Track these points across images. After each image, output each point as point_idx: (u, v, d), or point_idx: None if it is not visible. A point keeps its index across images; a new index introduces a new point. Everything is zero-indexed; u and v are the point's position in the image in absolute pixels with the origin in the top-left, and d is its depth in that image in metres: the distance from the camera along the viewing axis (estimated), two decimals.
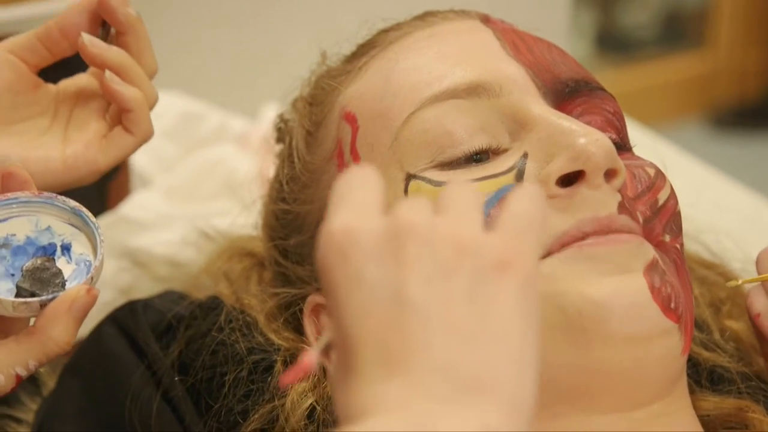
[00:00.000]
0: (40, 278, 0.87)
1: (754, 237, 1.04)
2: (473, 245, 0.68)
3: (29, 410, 1.13)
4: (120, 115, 0.97)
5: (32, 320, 0.88)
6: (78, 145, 0.97)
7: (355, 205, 0.70)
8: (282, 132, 1.10)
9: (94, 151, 0.97)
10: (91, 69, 1.00)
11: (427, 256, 0.67)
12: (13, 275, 0.87)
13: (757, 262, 1.02)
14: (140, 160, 1.48)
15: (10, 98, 0.96)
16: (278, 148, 1.10)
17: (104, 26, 0.98)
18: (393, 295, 0.67)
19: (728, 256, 1.15)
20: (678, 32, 4.13)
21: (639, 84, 3.73)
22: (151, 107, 0.98)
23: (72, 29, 0.97)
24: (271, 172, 1.14)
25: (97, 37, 0.97)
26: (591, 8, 3.94)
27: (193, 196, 1.45)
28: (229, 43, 1.74)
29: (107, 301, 1.25)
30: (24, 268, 0.87)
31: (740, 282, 1.01)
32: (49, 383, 1.13)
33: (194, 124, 1.56)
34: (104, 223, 1.32)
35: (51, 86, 1.00)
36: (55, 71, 1.00)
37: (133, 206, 1.40)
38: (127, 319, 1.06)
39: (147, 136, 0.98)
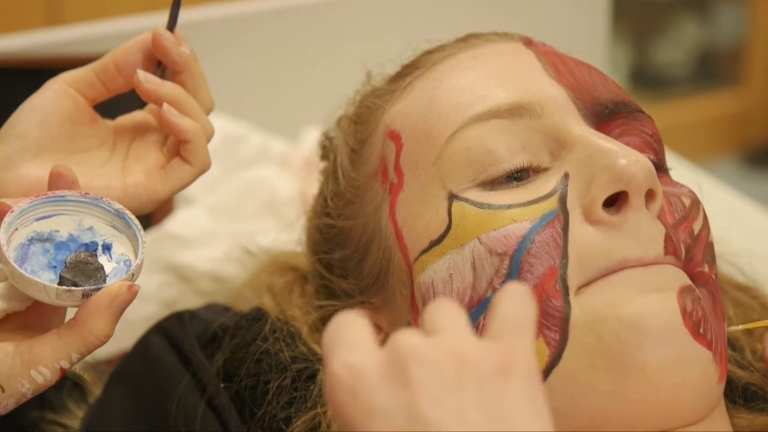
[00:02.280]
0: (83, 271, 0.89)
1: None
2: (472, 357, 0.71)
3: (75, 417, 1.15)
4: (177, 147, 1.00)
5: (69, 313, 0.91)
6: (138, 176, 0.99)
7: (351, 343, 0.73)
8: (326, 149, 1.13)
9: (154, 180, 0.99)
10: (149, 105, 1.03)
11: (432, 375, 0.70)
12: (55, 267, 0.90)
13: None
14: None
15: (71, 128, 0.99)
16: (323, 165, 1.13)
17: (160, 64, 1.01)
18: (409, 418, 0.69)
19: (762, 280, 1.17)
20: (712, 70, 4.15)
21: (672, 121, 3.74)
22: (208, 140, 1.01)
23: (128, 66, 1.00)
24: (312, 192, 1.16)
25: (154, 74, 1.01)
26: (626, 45, 3.96)
27: (235, 214, 1.48)
28: (271, 67, 1.78)
29: (152, 314, 1.28)
30: (68, 260, 0.90)
31: (740, 328, 1.02)
32: (95, 391, 1.16)
33: (236, 146, 1.60)
34: (149, 238, 1.35)
35: (108, 121, 1.03)
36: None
37: (178, 222, 1.43)
38: (173, 328, 1.09)
39: (205, 167, 1.01)
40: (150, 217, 1.40)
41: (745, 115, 4.01)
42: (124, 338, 1.16)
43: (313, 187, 1.20)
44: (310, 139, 1.60)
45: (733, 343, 1.09)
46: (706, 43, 4.10)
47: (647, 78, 3.99)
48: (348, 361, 0.72)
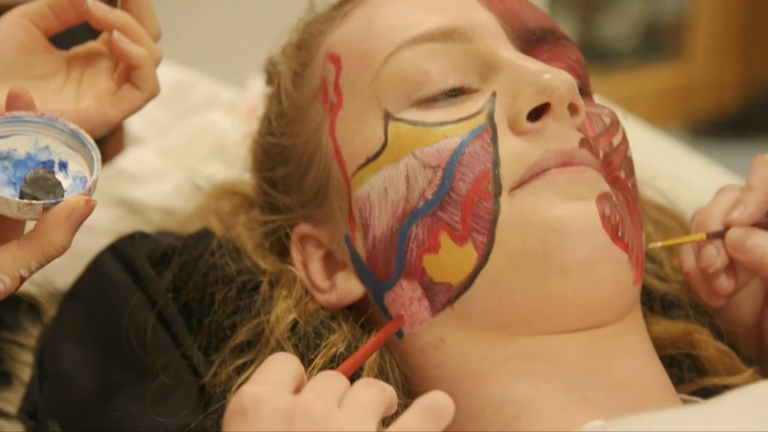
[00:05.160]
0: (42, 186, 0.93)
1: (708, 193, 1.11)
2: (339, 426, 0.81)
3: (31, 336, 1.19)
4: (128, 74, 1.04)
5: (29, 225, 0.95)
6: (90, 100, 1.04)
7: (270, 380, 0.84)
8: (271, 75, 1.19)
9: (105, 105, 1.04)
10: (100, 37, 1.08)
11: None
12: (14, 183, 0.94)
13: (691, 220, 1.10)
14: (134, 124, 1.56)
15: (25, 57, 1.04)
16: (268, 89, 1.18)
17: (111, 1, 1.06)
18: None
19: (682, 203, 1.23)
20: (656, 43, 4.20)
21: (617, 94, 3.73)
22: (156, 65, 1.05)
23: None
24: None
25: None
26: (571, 19, 4.00)
27: (184, 157, 1.52)
28: (219, 16, 1.82)
29: (103, 246, 1.32)
30: (27, 176, 0.94)
31: (659, 245, 1.10)
32: (50, 311, 1.21)
33: (185, 93, 1.64)
34: (101, 175, 1.39)
35: (62, 51, 1.07)
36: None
37: (129, 160, 1.47)
38: (125, 248, 1.14)
39: (154, 92, 1.05)
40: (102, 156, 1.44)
41: (688, 88, 4.07)
42: (75, 270, 1.20)
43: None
44: (257, 86, 1.65)
45: (652, 258, 1.16)
46: (651, 16, 4.15)
47: (592, 51, 4.02)
48: (257, 391, 0.82)
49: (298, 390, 0.84)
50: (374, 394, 0.84)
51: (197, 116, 1.60)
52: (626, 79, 3.96)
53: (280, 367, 0.85)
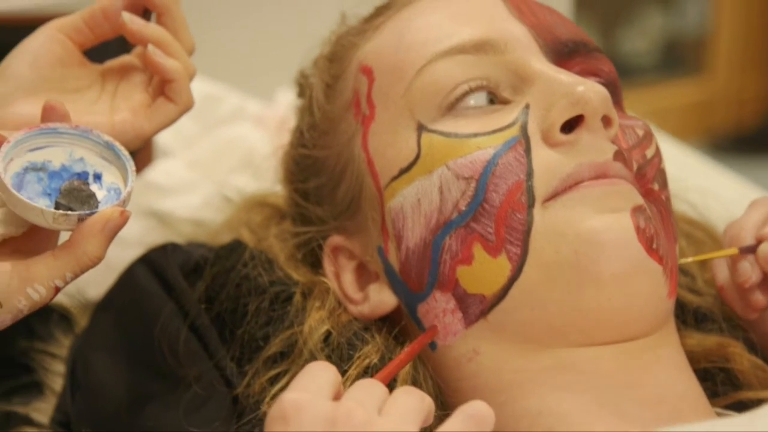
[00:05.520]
0: (77, 197, 0.94)
1: (738, 206, 1.11)
2: None
3: (63, 346, 1.20)
4: (162, 87, 1.05)
5: (62, 237, 0.95)
6: (125, 113, 1.04)
7: (310, 387, 0.84)
8: (303, 87, 1.19)
9: (140, 118, 1.04)
10: (135, 50, 1.09)
11: None
12: (49, 195, 0.94)
13: (723, 235, 1.10)
14: (163, 136, 1.56)
15: (61, 70, 1.05)
16: (300, 101, 1.19)
17: (146, 13, 1.07)
18: None
19: (714, 217, 1.23)
20: (677, 59, 4.19)
21: (637, 110, 3.70)
22: (191, 79, 1.06)
23: (113, 12, 1.05)
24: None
25: None
26: (591, 34, 3.95)
27: (212, 170, 1.53)
28: (246, 29, 1.82)
29: (134, 257, 1.32)
30: (62, 187, 0.94)
31: (691, 260, 1.10)
32: (82, 322, 1.21)
33: (213, 106, 1.64)
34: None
35: (97, 65, 1.08)
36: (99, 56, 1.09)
37: (157, 172, 1.48)
38: (157, 258, 1.14)
39: (188, 106, 1.06)
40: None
41: (709, 104, 4.05)
42: (107, 281, 1.20)
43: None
44: (285, 99, 1.65)
45: (685, 271, 1.16)
46: (671, 32, 4.14)
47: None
48: (298, 397, 0.82)
49: (336, 398, 0.84)
50: (414, 401, 0.84)
51: (225, 129, 1.60)
52: (647, 94, 3.94)
53: (319, 375, 0.85)
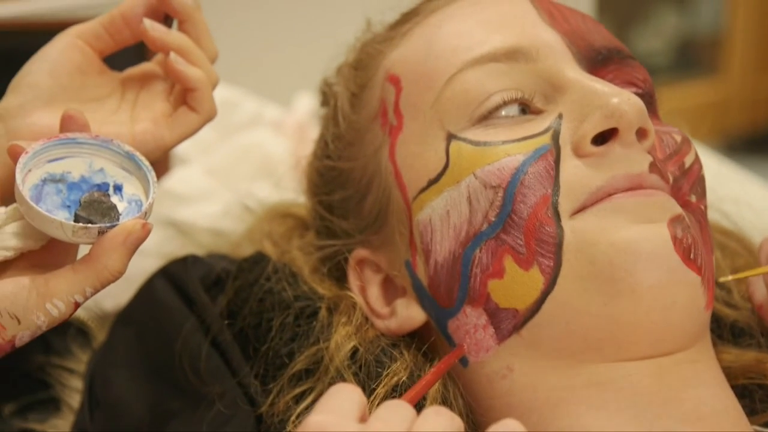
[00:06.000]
0: (97, 209, 0.91)
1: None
2: None
3: (80, 361, 1.18)
4: (184, 96, 1.02)
5: (80, 253, 0.93)
6: (146, 123, 1.02)
7: (336, 409, 0.81)
8: (327, 95, 1.16)
9: (161, 128, 1.02)
10: (155, 57, 1.06)
11: None
12: (69, 207, 0.92)
13: (760, 250, 1.07)
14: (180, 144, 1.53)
15: (80, 78, 1.02)
16: (323, 110, 1.16)
17: (166, 20, 1.04)
18: None
19: (748, 227, 1.20)
20: (691, 59, 4.17)
21: None
22: (214, 87, 1.03)
23: (134, 18, 1.03)
24: (305, 155, 1.19)
25: None
26: None
27: (230, 176, 1.51)
28: (265, 34, 1.80)
29: (152, 268, 1.30)
30: (82, 199, 0.92)
31: (730, 278, 1.06)
32: (99, 336, 1.19)
33: (230, 111, 1.62)
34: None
35: (117, 72, 1.05)
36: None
37: (175, 180, 1.45)
38: (177, 271, 1.12)
39: (211, 115, 1.03)
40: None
41: (724, 104, 4.03)
42: (124, 293, 1.18)
43: (306, 150, 1.22)
44: (303, 104, 1.63)
45: (721, 285, 1.12)
46: (686, 32, 4.13)
47: None
48: (324, 421, 0.79)
49: (362, 420, 0.81)
50: (444, 422, 0.81)
51: (243, 135, 1.58)
52: (661, 94, 3.89)
53: (345, 396, 0.82)
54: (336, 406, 0.81)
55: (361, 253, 1.07)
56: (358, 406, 0.82)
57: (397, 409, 0.82)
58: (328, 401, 0.82)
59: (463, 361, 1.00)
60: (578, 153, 0.96)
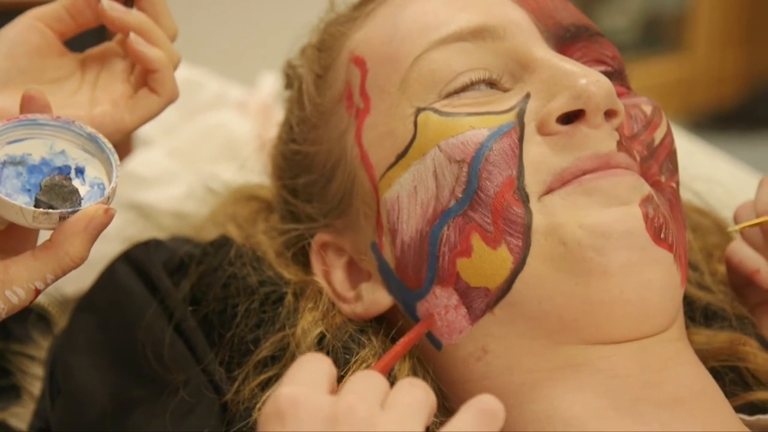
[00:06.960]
0: (58, 194, 0.89)
1: (743, 194, 1.08)
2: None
3: (41, 348, 1.15)
4: (145, 77, 1.00)
5: (41, 237, 0.91)
6: (105, 106, 0.99)
7: (306, 380, 0.78)
8: (291, 78, 1.14)
9: (121, 110, 0.99)
10: (116, 38, 1.03)
11: None
12: (29, 191, 0.89)
13: (735, 217, 1.06)
14: None
15: (39, 61, 0.99)
16: (287, 93, 1.14)
17: (126, 1, 1.01)
18: None
19: (719, 205, 1.19)
20: (656, 36, 4.17)
21: None
22: (175, 68, 1.01)
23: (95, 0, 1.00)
24: (269, 136, 1.17)
25: None
26: None
27: (193, 158, 1.49)
28: (228, 13, 1.78)
29: (114, 253, 1.27)
30: (43, 183, 0.90)
31: (738, 227, 1.05)
32: (60, 322, 1.17)
33: (194, 92, 1.60)
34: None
35: (77, 54, 1.03)
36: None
37: (137, 162, 1.43)
38: (139, 256, 1.10)
39: (173, 97, 1.01)
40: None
41: (689, 81, 4.04)
42: (85, 278, 1.15)
43: (270, 131, 1.20)
44: (267, 84, 1.61)
45: (694, 266, 1.11)
46: (651, 9, 4.13)
47: None
48: (294, 393, 0.76)
49: (333, 392, 0.79)
50: (419, 394, 0.79)
51: (206, 115, 1.56)
52: (627, 72, 3.92)
53: (314, 367, 0.80)
54: (305, 378, 0.79)
55: (323, 237, 1.05)
56: (328, 377, 0.80)
57: (370, 380, 0.80)
58: (297, 372, 0.79)
59: (437, 345, 0.98)
60: (543, 131, 0.95)
